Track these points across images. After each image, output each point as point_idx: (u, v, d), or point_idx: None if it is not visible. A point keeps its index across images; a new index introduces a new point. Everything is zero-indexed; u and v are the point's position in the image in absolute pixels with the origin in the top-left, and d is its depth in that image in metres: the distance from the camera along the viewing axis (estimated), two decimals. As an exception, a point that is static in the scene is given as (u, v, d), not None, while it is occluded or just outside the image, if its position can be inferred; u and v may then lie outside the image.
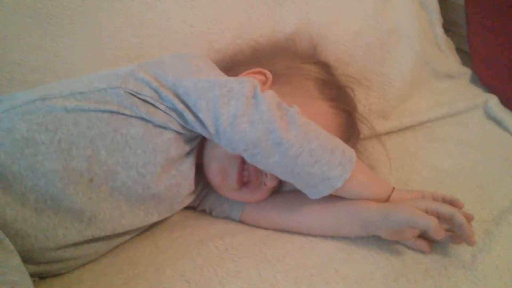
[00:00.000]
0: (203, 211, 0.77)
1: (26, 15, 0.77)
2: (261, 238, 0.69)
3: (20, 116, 0.61)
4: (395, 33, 0.86)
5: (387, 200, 0.65)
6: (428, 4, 0.89)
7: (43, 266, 0.63)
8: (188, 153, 0.68)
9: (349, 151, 0.63)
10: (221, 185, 0.70)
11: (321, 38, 0.84)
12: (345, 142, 0.66)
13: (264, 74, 0.73)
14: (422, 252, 0.63)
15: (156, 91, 0.63)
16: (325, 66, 0.80)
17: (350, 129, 0.75)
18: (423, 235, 0.64)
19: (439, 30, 0.91)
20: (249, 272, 0.63)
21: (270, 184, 0.68)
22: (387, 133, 0.85)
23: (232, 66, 0.78)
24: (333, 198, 0.67)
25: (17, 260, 0.55)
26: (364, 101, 0.81)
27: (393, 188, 0.66)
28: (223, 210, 0.74)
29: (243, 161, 0.68)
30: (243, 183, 0.69)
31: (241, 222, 0.73)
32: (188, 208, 0.77)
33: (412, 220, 0.60)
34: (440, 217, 0.61)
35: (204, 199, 0.76)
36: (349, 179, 0.62)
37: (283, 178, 0.64)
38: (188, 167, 0.68)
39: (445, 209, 0.61)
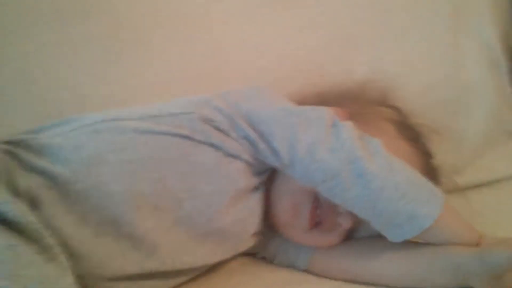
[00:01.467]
0: (264, 259, 0.71)
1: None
2: (331, 287, 0.62)
3: (89, 134, 0.59)
4: (468, 88, 0.84)
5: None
6: (499, 63, 0.87)
7: None
8: (256, 188, 0.64)
9: (437, 189, 0.58)
10: (290, 225, 0.65)
11: (392, 89, 0.82)
12: None
13: (337, 112, 0.69)
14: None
15: (229, 119, 0.61)
16: (398, 110, 0.77)
17: (431, 171, 0.70)
18: None
19: (510, 90, 0.88)
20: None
21: (346, 224, 0.63)
22: (462, 190, 0.79)
23: None
24: (417, 243, 0.60)
25: (70, 279, 0.50)
26: (437, 155, 0.77)
27: (481, 236, 0.59)
28: (287, 257, 0.68)
29: (316, 199, 0.63)
30: (315, 224, 0.64)
31: (307, 271, 0.67)
32: (247, 254, 0.72)
33: None
34: None
35: (265, 244, 0.70)
36: (438, 220, 0.56)
37: (363, 215, 0.58)
38: (256, 202, 0.63)
39: None
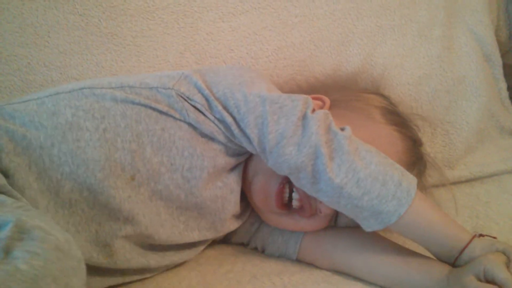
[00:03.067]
0: (255, 249, 0.70)
1: (90, 32, 0.76)
2: (323, 277, 0.63)
3: (66, 101, 0.58)
4: (460, 81, 0.84)
5: (463, 250, 0.56)
6: (492, 58, 0.87)
7: None
8: (235, 167, 0.63)
9: (408, 182, 0.56)
10: (263, 207, 0.64)
11: (384, 80, 0.81)
12: (409, 168, 0.61)
13: (321, 99, 0.69)
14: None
15: (207, 99, 0.60)
16: (386, 98, 0.76)
17: (415, 155, 0.69)
18: None
19: (503, 85, 0.88)
20: (313, 312, 0.56)
21: (326, 210, 0.61)
22: (454, 183, 0.79)
23: None
24: (406, 252, 0.61)
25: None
26: (428, 149, 0.77)
27: (474, 235, 0.57)
28: (277, 247, 0.67)
29: (287, 180, 0.62)
30: (284, 206, 0.63)
31: (298, 260, 0.66)
32: (238, 244, 0.71)
33: None
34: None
35: (255, 234, 0.69)
36: (408, 214, 0.55)
37: (331, 207, 0.58)
38: (234, 179, 0.63)
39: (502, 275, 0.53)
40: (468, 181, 0.82)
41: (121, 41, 0.77)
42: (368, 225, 0.57)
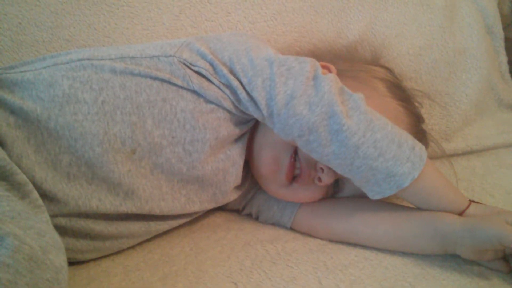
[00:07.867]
0: (249, 216, 0.70)
1: (82, -8, 0.74)
2: (317, 245, 0.62)
3: (64, 72, 0.56)
4: (461, 53, 0.82)
5: (461, 214, 0.57)
6: (494, 30, 0.86)
7: (68, 238, 0.55)
8: (238, 138, 0.62)
9: (420, 147, 0.56)
10: (269, 178, 0.63)
11: (385, 49, 0.80)
12: None
13: (328, 68, 0.67)
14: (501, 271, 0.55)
15: (211, 64, 0.58)
16: (390, 71, 0.75)
17: (420, 133, 0.68)
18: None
19: (503, 59, 0.87)
20: (307, 279, 0.55)
21: (326, 180, 0.60)
22: (451, 155, 0.79)
23: None
24: (405, 208, 0.60)
25: (45, 216, 0.48)
26: (426, 120, 0.76)
27: (470, 202, 0.57)
28: (272, 215, 0.67)
29: (295, 152, 0.61)
30: (292, 178, 0.62)
31: (292, 229, 0.66)
32: (232, 211, 0.71)
33: (505, 237, 0.51)
34: None
35: (250, 201, 0.69)
36: (418, 179, 0.54)
37: (340, 171, 0.57)
38: (237, 152, 0.61)
39: None
40: (464, 153, 0.81)
41: (115, 2, 0.75)
42: (379, 191, 0.56)
